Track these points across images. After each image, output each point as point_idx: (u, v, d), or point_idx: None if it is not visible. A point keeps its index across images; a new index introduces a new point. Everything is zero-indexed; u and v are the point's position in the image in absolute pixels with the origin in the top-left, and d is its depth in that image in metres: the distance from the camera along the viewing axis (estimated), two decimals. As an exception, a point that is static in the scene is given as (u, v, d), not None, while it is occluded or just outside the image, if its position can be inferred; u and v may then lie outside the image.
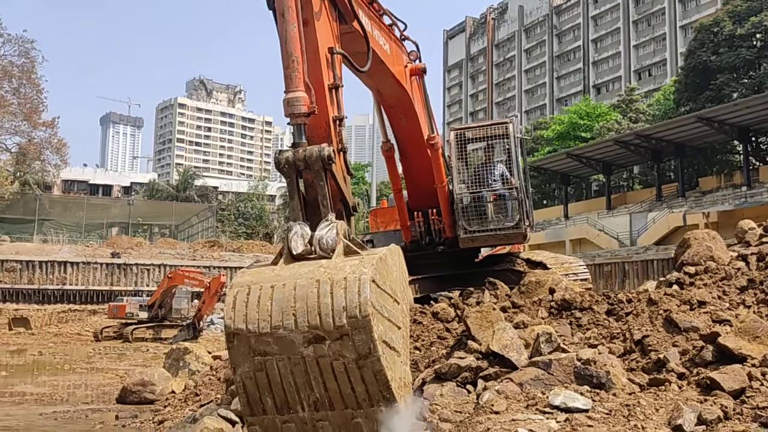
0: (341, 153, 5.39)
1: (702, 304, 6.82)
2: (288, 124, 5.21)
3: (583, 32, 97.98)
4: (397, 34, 8.78)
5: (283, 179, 5.29)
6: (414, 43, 9.25)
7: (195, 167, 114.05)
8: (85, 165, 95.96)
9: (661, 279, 8.40)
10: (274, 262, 4.61)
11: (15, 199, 57.06)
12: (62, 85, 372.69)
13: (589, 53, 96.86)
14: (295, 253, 4.56)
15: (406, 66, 8.98)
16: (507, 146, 10.96)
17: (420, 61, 9.38)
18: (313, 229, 4.73)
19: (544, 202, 70.83)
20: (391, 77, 8.32)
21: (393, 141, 10.53)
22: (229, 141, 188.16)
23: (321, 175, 4.88)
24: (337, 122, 5.48)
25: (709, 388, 5.47)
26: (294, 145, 5.02)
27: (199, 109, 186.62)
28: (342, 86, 5.72)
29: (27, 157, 59.00)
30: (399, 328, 4.79)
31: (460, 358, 6.88)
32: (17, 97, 54.64)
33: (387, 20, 8.28)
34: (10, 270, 40.05)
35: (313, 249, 4.58)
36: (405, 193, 11.36)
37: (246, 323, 4.25)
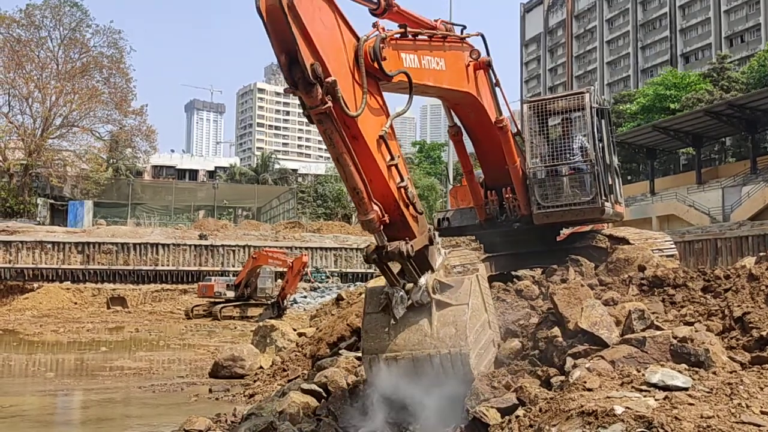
0: (409, 207, 6.09)
1: (809, 279, 6.43)
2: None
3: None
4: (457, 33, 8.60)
5: None
6: (478, 35, 9.09)
7: (275, 151, 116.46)
8: (173, 151, 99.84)
9: (761, 254, 7.97)
10: (383, 311, 6.22)
11: (109, 184, 60.04)
12: (148, 74, 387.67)
13: (676, 20, 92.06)
14: (398, 318, 6.09)
15: (468, 65, 8.73)
16: (584, 117, 10.58)
17: (488, 54, 9.20)
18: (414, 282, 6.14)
19: (629, 177, 68.20)
20: (447, 90, 8.17)
21: (460, 124, 10.45)
22: (307, 124, 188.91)
23: (405, 263, 6.02)
24: (402, 189, 6.00)
25: (817, 367, 5.16)
26: (378, 247, 5.97)
27: (278, 93, 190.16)
28: (400, 156, 6.07)
29: (119, 144, 62.05)
30: (490, 328, 6.34)
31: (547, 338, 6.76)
32: (108, 86, 57.39)
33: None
34: (107, 252, 42.25)
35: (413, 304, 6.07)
36: (478, 172, 11.25)
37: (382, 381, 6.14)
